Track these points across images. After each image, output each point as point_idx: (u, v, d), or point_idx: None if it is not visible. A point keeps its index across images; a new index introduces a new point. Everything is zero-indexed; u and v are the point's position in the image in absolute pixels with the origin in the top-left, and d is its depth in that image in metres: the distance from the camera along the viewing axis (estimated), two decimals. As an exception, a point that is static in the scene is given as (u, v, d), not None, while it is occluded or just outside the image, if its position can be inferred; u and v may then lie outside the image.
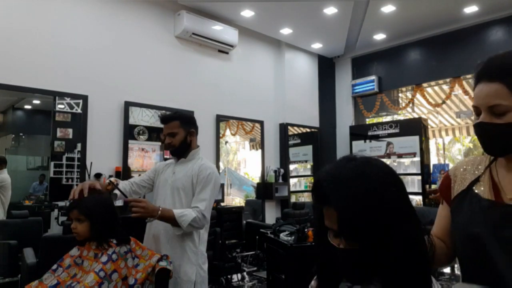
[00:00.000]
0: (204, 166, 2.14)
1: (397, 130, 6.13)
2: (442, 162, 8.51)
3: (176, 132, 2.14)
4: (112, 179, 2.08)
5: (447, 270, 4.83)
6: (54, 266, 1.81)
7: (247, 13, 5.35)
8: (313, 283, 0.95)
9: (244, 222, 5.08)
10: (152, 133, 4.94)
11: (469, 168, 1.08)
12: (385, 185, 0.78)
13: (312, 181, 5.75)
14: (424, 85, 6.20)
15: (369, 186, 0.77)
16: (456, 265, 1.18)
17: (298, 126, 6.69)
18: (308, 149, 6.81)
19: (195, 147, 2.22)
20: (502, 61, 0.94)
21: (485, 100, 0.93)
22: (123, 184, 2.14)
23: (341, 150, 6.95)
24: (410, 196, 6.03)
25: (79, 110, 4.12)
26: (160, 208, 1.92)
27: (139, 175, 2.52)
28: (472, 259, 1.00)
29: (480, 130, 0.96)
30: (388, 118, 6.99)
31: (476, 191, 1.02)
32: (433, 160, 6.18)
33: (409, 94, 6.55)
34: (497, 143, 0.95)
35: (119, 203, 2.18)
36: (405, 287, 0.76)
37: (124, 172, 4.36)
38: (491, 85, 0.92)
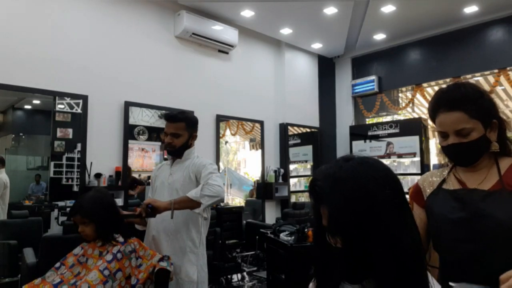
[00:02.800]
0: (200, 160, 2.15)
1: (397, 130, 6.13)
2: (442, 162, 8.51)
3: (181, 134, 2.12)
4: None
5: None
6: (57, 264, 1.83)
7: (247, 13, 5.35)
8: (311, 285, 0.94)
9: (244, 222, 5.08)
10: (152, 133, 4.94)
11: (435, 175, 1.34)
12: (378, 186, 0.77)
13: (312, 181, 5.74)
14: (424, 85, 6.20)
15: (362, 186, 0.77)
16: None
17: (298, 126, 6.68)
18: (308, 149, 6.80)
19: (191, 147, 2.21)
20: (459, 93, 1.17)
21: (451, 126, 1.17)
22: None
23: (341, 150, 6.94)
24: (410, 196, 5.99)
25: (79, 110, 4.12)
26: (172, 200, 1.89)
27: (139, 175, 2.55)
28: (456, 241, 1.19)
29: (453, 150, 1.20)
30: (388, 118, 6.99)
31: (445, 187, 1.27)
32: (433, 160, 6.17)
33: (409, 94, 6.55)
34: (466, 157, 1.21)
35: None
36: None
37: (124, 172, 4.36)
38: (453, 113, 1.16)
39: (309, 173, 6.81)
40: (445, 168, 1.34)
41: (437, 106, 1.21)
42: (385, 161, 6.23)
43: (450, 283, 0.95)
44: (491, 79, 5.53)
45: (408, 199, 1.38)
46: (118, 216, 1.93)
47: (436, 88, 6.45)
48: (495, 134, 1.19)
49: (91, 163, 4.12)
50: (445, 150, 1.23)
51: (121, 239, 1.88)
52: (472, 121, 1.15)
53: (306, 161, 6.84)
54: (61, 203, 3.86)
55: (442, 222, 1.22)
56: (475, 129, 1.15)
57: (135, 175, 4.65)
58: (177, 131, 2.11)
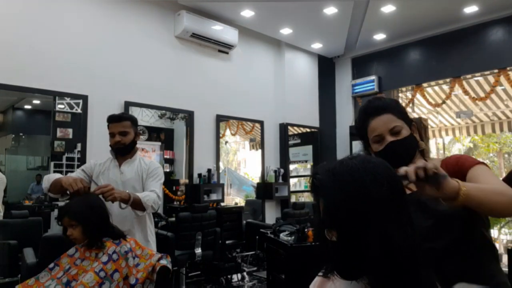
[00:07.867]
0: (152, 163, 2.39)
1: (397, 130, 6.12)
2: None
3: (128, 132, 2.29)
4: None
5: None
6: (51, 265, 1.81)
7: (247, 13, 5.35)
8: (311, 286, 0.94)
9: (244, 222, 5.08)
10: (152, 133, 4.94)
11: None
12: (376, 182, 0.77)
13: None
14: (424, 85, 6.20)
15: (359, 180, 0.77)
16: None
17: (298, 126, 6.68)
18: (308, 149, 6.80)
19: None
20: (382, 101, 1.30)
21: (385, 126, 1.26)
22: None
23: (341, 150, 6.94)
24: (410, 196, 6.00)
25: (79, 110, 4.12)
26: (132, 195, 2.00)
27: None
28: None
29: (391, 148, 1.24)
30: (388, 118, 6.97)
31: None
32: (433, 160, 6.16)
33: (409, 94, 6.55)
34: (403, 154, 1.25)
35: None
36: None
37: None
38: (383, 116, 1.27)
39: (309, 173, 6.79)
40: None
41: (366, 115, 1.30)
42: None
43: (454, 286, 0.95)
44: (491, 79, 5.53)
45: None
46: (106, 218, 1.87)
47: (436, 88, 6.45)
48: (417, 135, 1.31)
49: (91, 163, 4.12)
50: (383, 153, 1.26)
51: (115, 240, 1.85)
52: (399, 121, 1.27)
53: (306, 161, 6.84)
54: (61, 203, 3.85)
55: None
56: (404, 128, 1.27)
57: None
58: (125, 129, 2.28)
